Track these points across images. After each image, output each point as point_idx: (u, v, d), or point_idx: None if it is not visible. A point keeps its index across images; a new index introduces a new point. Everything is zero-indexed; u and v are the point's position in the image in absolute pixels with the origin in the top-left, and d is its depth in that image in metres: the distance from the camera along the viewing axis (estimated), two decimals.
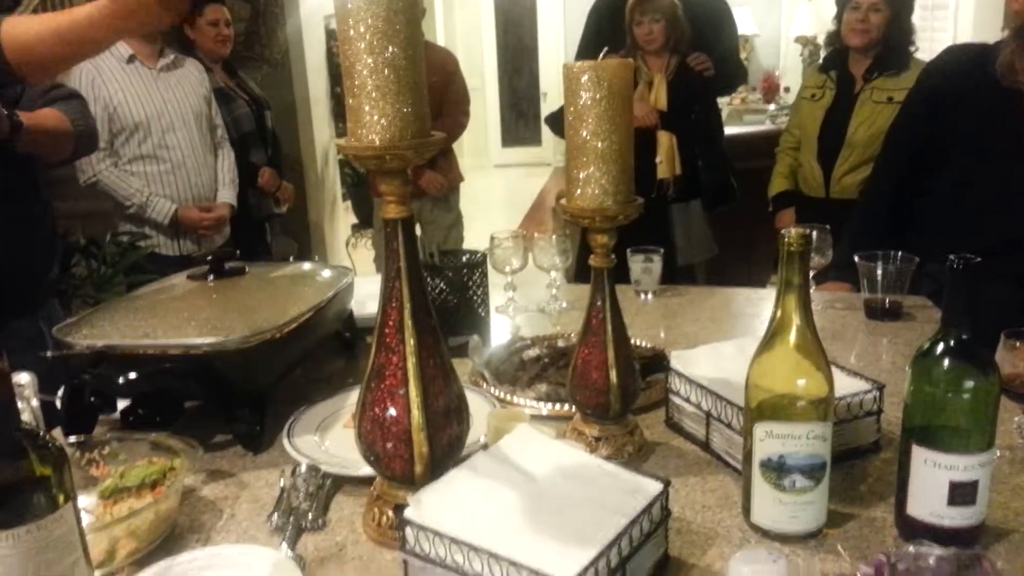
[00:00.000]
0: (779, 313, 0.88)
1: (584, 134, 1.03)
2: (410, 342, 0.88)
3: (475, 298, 1.52)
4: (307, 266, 1.50)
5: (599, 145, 1.03)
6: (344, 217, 5.04)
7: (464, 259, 1.55)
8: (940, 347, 0.84)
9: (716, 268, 3.37)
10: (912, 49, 2.63)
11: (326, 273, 1.45)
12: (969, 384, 0.82)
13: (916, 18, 2.75)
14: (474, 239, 5.42)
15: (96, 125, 1.82)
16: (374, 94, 0.84)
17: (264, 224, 3.36)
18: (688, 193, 3.06)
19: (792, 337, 0.87)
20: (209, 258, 1.30)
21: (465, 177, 3.93)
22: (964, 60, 2.07)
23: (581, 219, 1.04)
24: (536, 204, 7.21)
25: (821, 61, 2.88)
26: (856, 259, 1.63)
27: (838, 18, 2.68)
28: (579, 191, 1.04)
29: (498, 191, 8.50)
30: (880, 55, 2.58)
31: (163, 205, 2.68)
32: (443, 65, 3.57)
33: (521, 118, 9.45)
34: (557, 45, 8.99)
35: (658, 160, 2.99)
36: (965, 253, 0.85)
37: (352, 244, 4.91)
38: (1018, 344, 1.11)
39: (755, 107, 7.45)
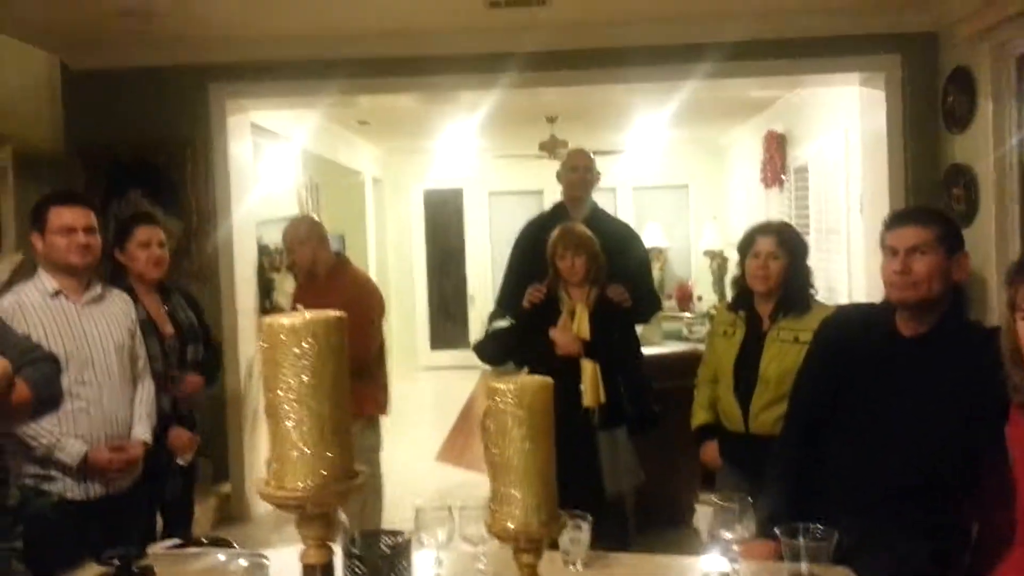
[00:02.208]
0: None
1: (507, 452, 1.05)
2: None
3: None
4: (221, 557, 1.43)
5: (522, 463, 1.05)
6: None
7: (388, 544, 1.51)
8: None
9: (644, 490, 3.37)
10: (812, 292, 2.83)
11: (240, 564, 1.39)
12: None
13: (811, 243, 3.00)
14: (406, 451, 5.29)
15: (61, 388, 1.95)
16: (300, 444, 0.85)
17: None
18: (612, 420, 3.11)
19: None
20: (116, 563, 1.23)
21: (390, 396, 3.89)
22: (855, 317, 2.25)
23: (506, 540, 1.04)
24: (464, 412, 7.16)
25: (730, 301, 3.05)
26: (777, 532, 1.65)
27: (741, 264, 2.86)
28: (504, 510, 1.04)
29: (427, 394, 8.47)
30: (782, 298, 2.74)
31: (73, 446, 2.53)
32: (366, 302, 3.64)
33: (449, 320, 9.64)
34: (484, 249, 9.41)
35: (582, 388, 3.06)
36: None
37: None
38: None
39: (671, 315, 7.82)
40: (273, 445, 0.85)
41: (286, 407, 0.84)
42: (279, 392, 0.83)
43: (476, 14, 4.00)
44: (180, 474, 3.20)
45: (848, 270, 5.24)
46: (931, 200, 3.99)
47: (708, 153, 9.07)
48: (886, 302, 2.11)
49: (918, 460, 1.94)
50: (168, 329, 3.14)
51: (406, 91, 4.62)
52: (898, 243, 1.98)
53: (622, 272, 3.27)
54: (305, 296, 3.71)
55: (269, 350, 0.83)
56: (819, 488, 2.10)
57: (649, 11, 4.07)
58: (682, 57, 4.20)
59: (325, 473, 0.85)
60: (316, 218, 4.97)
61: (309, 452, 0.85)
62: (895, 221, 2.06)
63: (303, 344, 0.82)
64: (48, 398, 1.85)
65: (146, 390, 2.82)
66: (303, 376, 0.83)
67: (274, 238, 5.76)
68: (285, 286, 5.92)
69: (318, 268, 3.78)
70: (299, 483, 0.84)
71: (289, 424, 0.83)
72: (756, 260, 2.74)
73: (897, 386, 2.01)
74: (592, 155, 3.61)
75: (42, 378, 1.81)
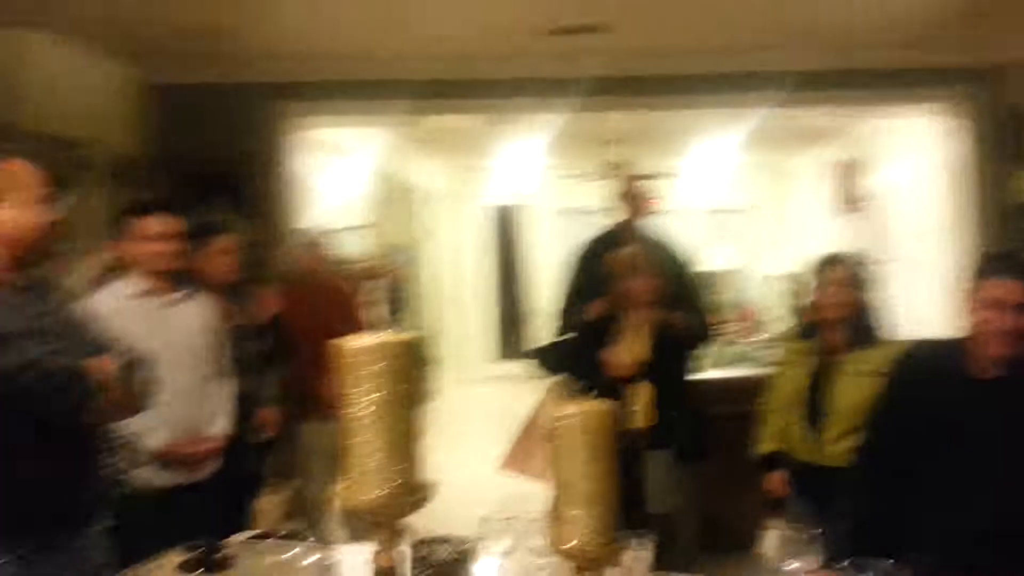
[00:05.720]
0: None
1: (570, 473, 1.08)
2: None
3: None
4: (296, 550, 1.48)
5: (585, 485, 1.07)
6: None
7: (453, 550, 1.54)
8: None
9: (708, 513, 3.34)
10: (881, 327, 2.76)
11: (314, 558, 1.44)
12: None
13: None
14: (464, 460, 5.28)
15: (70, 404, 1.87)
16: (377, 455, 0.90)
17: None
18: (659, 442, 3.09)
19: None
20: (201, 549, 1.30)
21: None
22: (930, 358, 2.17)
23: (565, 558, 1.07)
24: (530, 421, 7.13)
25: (799, 330, 2.99)
26: (845, 565, 1.62)
27: (812, 292, 2.80)
28: (565, 528, 1.07)
29: (492, 405, 8.48)
30: (854, 329, 2.68)
31: (155, 437, 2.66)
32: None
33: (515, 332, 9.77)
34: (547, 264, 9.46)
35: (634, 409, 3.06)
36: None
37: None
38: None
39: (732, 339, 7.71)
40: (350, 457, 0.90)
41: (362, 423, 0.89)
42: (354, 409, 0.89)
43: (539, 40, 4.02)
44: (258, 453, 3.35)
45: (912, 300, 5.12)
46: (1003, 233, 3.88)
47: (774, 177, 8.95)
48: (957, 340, 2.04)
49: (997, 504, 1.89)
50: (236, 320, 3.26)
51: (469, 112, 4.67)
52: (1007, 296, 1.82)
53: (678, 296, 3.27)
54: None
55: (346, 370, 0.89)
56: (892, 525, 2.06)
57: (715, 40, 4.05)
58: (748, 85, 4.17)
59: (396, 484, 0.90)
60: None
61: (382, 465, 0.90)
62: (996, 270, 1.91)
63: (376, 365, 0.88)
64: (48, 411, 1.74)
65: (228, 387, 2.94)
66: (377, 394, 0.88)
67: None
68: None
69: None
70: (373, 493, 0.89)
71: (365, 438, 0.89)
72: (830, 289, 2.70)
73: (974, 430, 1.95)
74: (654, 178, 3.62)
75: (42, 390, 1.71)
